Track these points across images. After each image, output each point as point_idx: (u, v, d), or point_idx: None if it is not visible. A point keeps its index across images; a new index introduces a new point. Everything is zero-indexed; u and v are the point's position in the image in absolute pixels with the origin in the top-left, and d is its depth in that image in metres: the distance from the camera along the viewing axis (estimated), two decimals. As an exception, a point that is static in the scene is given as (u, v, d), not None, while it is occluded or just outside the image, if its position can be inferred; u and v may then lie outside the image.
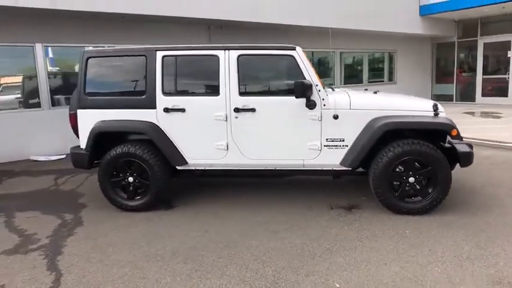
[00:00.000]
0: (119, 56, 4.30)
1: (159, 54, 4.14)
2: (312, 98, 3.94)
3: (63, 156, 7.51)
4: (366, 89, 5.11)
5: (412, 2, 12.48)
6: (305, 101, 3.94)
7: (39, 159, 7.29)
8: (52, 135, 7.59)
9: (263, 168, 4.23)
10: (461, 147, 3.90)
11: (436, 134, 4.05)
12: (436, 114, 3.97)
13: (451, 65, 14.58)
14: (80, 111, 4.33)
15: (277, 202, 4.45)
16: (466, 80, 14.23)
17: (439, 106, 4.03)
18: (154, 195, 4.25)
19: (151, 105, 4.17)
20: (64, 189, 5.41)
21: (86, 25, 7.86)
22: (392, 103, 4.09)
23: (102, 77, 4.36)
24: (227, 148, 4.15)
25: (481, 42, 13.39)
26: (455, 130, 3.79)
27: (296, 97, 3.88)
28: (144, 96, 4.19)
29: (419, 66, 14.68)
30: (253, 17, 9.13)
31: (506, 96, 12.78)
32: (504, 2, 10.82)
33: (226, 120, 4.09)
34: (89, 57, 4.27)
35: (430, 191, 3.88)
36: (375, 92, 4.58)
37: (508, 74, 12.72)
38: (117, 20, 8.04)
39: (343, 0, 10.61)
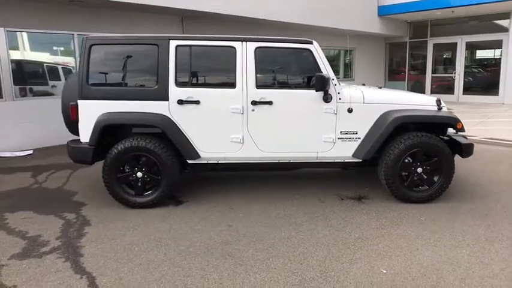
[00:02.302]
0: (128, 44, 4.03)
1: (173, 44, 3.96)
2: (329, 91, 4.02)
3: (31, 152, 6.91)
4: (363, 84, 5.30)
5: (372, 2, 13.09)
6: (322, 95, 4.02)
7: (3, 155, 6.61)
8: (16, 129, 6.93)
9: (277, 161, 4.24)
10: (462, 140, 4.22)
11: (439, 127, 4.32)
12: (440, 109, 4.25)
13: (403, 64, 15.55)
14: (81, 103, 4.01)
15: (287, 195, 4.49)
16: (416, 78, 15.27)
17: (442, 101, 4.32)
18: (166, 191, 4.08)
19: (163, 96, 3.98)
20: (49, 187, 4.98)
21: (51, 11, 7.24)
22: (401, 98, 4.30)
23: (108, 66, 4.08)
24: (242, 141, 4.09)
25: (430, 43, 14.43)
26: (460, 123, 4.09)
27: (316, 90, 3.94)
28: (155, 87, 3.98)
29: (373, 64, 15.47)
30: (224, 9, 9.01)
31: (453, 93, 13.93)
32: (454, 6, 11.76)
33: (242, 113, 4.03)
34: (93, 45, 3.96)
35: (435, 180, 4.15)
36: (380, 87, 4.77)
37: (454, 73, 13.86)
38: (85, 5, 7.50)
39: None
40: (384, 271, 2.86)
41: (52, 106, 7.28)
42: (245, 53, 3.99)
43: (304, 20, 10.68)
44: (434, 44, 14.38)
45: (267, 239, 3.40)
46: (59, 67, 7.97)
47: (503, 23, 12.46)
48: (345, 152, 4.20)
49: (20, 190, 4.86)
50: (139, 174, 4.05)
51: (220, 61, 4.09)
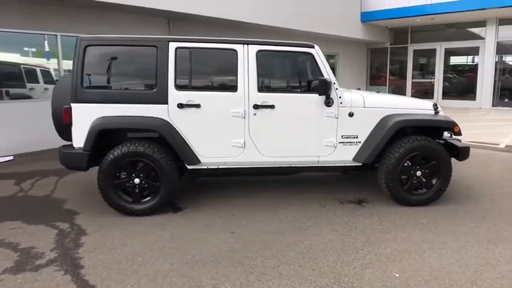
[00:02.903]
0: (125, 45, 3.89)
1: (172, 46, 3.85)
2: (331, 95, 4.01)
3: (11, 158, 6.59)
4: (359, 88, 5.33)
5: (355, 9, 13.31)
6: (324, 99, 4.00)
7: (-19, 162, 6.28)
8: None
9: (277, 166, 4.19)
10: (459, 143, 4.29)
11: (436, 131, 4.38)
12: (437, 113, 4.31)
13: (384, 69, 15.87)
14: (75, 106, 3.83)
15: (287, 200, 4.44)
16: (397, 83, 15.60)
17: (438, 105, 4.38)
18: (165, 197, 3.95)
19: (162, 100, 3.86)
20: (36, 195, 4.74)
21: (30, 10, 6.96)
22: (400, 102, 4.34)
23: (104, 68, 3.92)
24: (244, 146, 4.02)
25: (410, 48, 14.79)
26: (457, 127, 4.16)
27: (319, 94, 3.92)
28: (154, 90, 3.86)
29: (356, 68, 15.72)
30: (212, 12, 8.93)
31: (432, 98, 14.29)
32: (433, 14, 12.10)
33: (244, 117, 3.96)
34: (88, 45, 3.80)
35: (434, 183, 4.20)
36: (378, 92, 4.80)
37: (434, 78, 14.24)
38: (68, 5, 7.26)
39: (298, 3, 10.92)
40: (397, 275, 2.84)
41: (31, 110, 7.00)
42: (247, 56, 3.93)
43: (291, 24, 10.74)
44: (414, 50, 14.75)
45: (274, 245, 3.33)
46: (38, 69, 7.67)
47: (480, 30, 12.91)
48: (346, 156, 4.19)
49: (5, 199, 4.60)
50: (136, 180, 3.90)
51: (221, 64, 4.02)
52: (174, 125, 3.89)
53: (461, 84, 13.83)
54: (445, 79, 14.03)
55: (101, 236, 3.52)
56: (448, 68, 14.23)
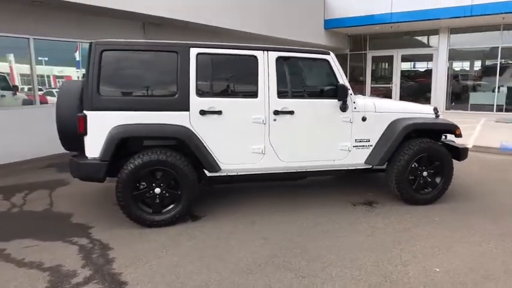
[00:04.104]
0: (143, 50, 3.75)
1: (193, 52, 3.78)
2: (347, 101, 4.16)
3: (-16, 170, 6.03)
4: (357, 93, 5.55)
5: (319, 16, 13.78)
6: (341, 104, 4.14)
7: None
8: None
9: (294, 171, 4.25)
10: (458, 145, 4.63)
11: (437, 133, 4.69)
12: (437, 116, 4.63)
13: (344, 74, 16.50)
14: (91, 114, 3.63)
15: (300, 204, 4.51)
16: (356, 88, 16.34)
17: (438, 109, 4.71)
18: (187, 206, 3.86)
19: (184, 107, 3.78)
20: (34, 209, 4.40)
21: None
22: (405, 107, 4.60)
23: (121, 74, 3.76)
24: (264, 152, 4.04)
25: (369, 55, 15.58)
26: (459, 130, 4.49)
27: (338, 100, 4.06)
28: (175, 97, 3.77)
29: (318, 74, 16.23)
30: (188, 17, 8.83)
31: (391, 102, 15.14)
32: (394, 22, 12.87)
33: (264, 123, 3.99)
34: (104, 50, 3.62)
35: (438, 182, 4.49)
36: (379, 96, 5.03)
37: (391, 83, 15.12)
38: (41, 6, 6.81)
39: (270, 12, 11.15)
40: (437, 269, 3.03)
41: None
42: (267, 62, 3.96)
43: (264, 31, 10.93)
44: (372, 56, 15.55)
45: (309, 248, 3.39)
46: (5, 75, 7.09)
47: (434, 38, 13.94)
48: (359, 159, 4.36)
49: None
50: (157, 190, 3.77)
51: (242, 70, 4.01)
52: (196, 132, 3.82)
53: (417, 89, 14.81)
54: (402, 84, 14.95)
55: (129, 250, 3.36)
56: (405, 73, 15.18)
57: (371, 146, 4.37)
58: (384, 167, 4.47)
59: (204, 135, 3.85)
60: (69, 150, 4.14)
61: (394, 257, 3.24)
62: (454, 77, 13.99)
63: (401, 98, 14.91)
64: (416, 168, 4.41)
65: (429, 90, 14.15)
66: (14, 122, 6.65)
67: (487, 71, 13.42)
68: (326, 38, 14.31)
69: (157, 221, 3.80)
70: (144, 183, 3.76)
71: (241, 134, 3.97)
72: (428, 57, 14.13)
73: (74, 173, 3.79)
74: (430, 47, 14.06)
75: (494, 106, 12.90)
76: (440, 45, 13.54)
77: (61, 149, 4.09)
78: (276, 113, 4.00)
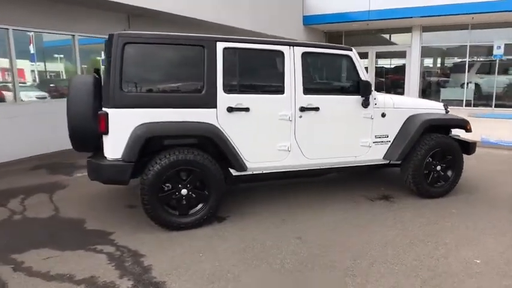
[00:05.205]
0: (168, 43, 3.53)
1: (220, 46, 3.62)
2: (369, 97, 4.17)
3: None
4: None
5: (298, 13, 13.84)
6: (363, 100, 4.14)
7: None
8: None
9: (318, 168, 4.21)
10: (468, 139, 4.78)
11: (446, 128, 4.82)
12: (447, 112, 4.77)
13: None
14: (113, 112, 3.39)
15: (319, 201, 4.49)
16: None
17: (447, 105, 4.85)
18: (215, 207, 3.71)
19: (211, 103, 3.62)
20: (39, 216, 4.06)
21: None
22: (419, 103, 4.71)
23: (145, 70, 3.53)
24: (290, 149, 3.97)
25: (344, 52, 15.84)
26: (469, 125, 4.65)
27: (362, 96, 4.06)
28: (202, 94, 3.59)
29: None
30: (174, 9, 8.54)
31: (366, 97, 15.52)
32: (371, 20, 13.17)
33: (291, 120, 3.91)
34: (127, 43, 3.37)
35: (449, 175, 4.62)
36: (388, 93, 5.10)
37: (366, 79, 15.48)
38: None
39: (254, 6, 11.05)
40: (478, 261, 3.10)
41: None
42: (293, 58, 3.88)
43: (249, 26, 10.81)
44: (347, 53, 15.82)
45: (348, 245, 3.37)
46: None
47: (407, 36, 14.40)
48: (378, 154, 4.40)
49: (1, 225, 3.85)
50: (183, 191, 3.59)
51: (268, 66, 3.91)
52: (222, 130, 3.67)
53: (392, 84, 15.28)
54: (376, 80, 15.35)
55: (163, 255, 3.18)
56: (379, 70, 15.61)
57: (389, 141, 4.42)
58: (398, 162, 4.55)
59: (230, 133, 3.71)
60: (80, 151, 3.86)
61: (432, 250, 3.29)
62: (425, 74, 14.55)
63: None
64: (430, 162, 4.51)
65: (402, 86, 14.64)
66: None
67: (456, 68, 14.09)
68: (304, 34, 14.39)
69: (184, 223, 3.63)
70: (169, 184, 3.57)
71: (268, 132, 3.87)
72: (402, 54, 14.59)
73: (93, 175, 3.53)
74: (404, 44, 14.52)
75: (464, 101, 13.57)
76: (413, 42, 14.02)
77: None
78: (302, 109, 3.94)
